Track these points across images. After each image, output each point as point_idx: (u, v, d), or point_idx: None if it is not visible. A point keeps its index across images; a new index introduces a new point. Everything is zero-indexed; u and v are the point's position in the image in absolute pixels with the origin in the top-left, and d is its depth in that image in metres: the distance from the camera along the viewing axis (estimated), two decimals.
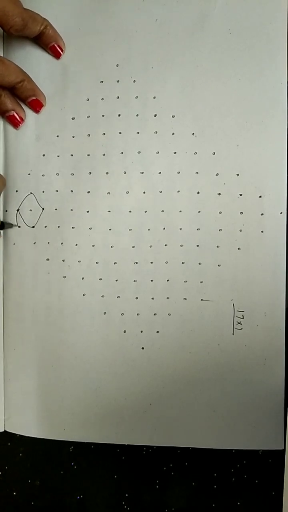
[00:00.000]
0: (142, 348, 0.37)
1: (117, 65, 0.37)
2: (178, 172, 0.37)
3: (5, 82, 0.36)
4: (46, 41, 0.37)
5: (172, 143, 0.37)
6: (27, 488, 0.40)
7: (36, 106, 0.38)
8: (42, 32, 0.37)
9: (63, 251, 0.38)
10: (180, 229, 0.37)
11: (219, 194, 0.36)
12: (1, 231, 0.39)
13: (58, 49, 0.38)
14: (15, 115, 0.38)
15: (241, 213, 0.36)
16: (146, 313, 0.37)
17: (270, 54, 0.35)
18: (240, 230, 0.36)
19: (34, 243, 0.39)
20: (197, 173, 0.37)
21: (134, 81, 0.37)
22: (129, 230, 0.38)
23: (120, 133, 0.38)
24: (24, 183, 0.39)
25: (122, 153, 0.38)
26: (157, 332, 0.37)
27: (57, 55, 0.38)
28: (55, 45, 0.38)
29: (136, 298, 0.37)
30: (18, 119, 0.38)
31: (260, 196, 0.36)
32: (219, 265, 0.36)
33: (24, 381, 0.39)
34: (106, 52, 0.38)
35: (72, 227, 0.38)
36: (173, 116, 0.37)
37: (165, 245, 0.37)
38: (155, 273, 0.37)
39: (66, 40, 0.38)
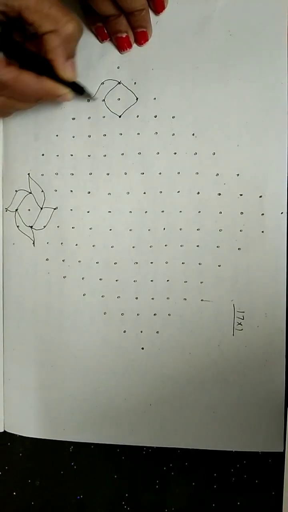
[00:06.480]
0: (142, 348, 0.37)
1: (118, 67, 0.38)
2: (178, 173, 0.37)
3: (129, 7, 0.34)
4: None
5: (172, 143, 0.37)
6: (27, 488, 0.40)
7: (142, 39, 0.37)
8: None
9: (63, 251, 0.38)
10: (180, 229, 0.37)
11: (219, 194, 0.36)
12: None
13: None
14: (129, 37, 0.36)
15: (241, 213, 0.36)
16: (146, 313, 0.37)
17: (270, 54, 0.35)
18: (241, 230, 0.36)
19: (33, 243, 0.39)
20: (197, 173, 0.37)
21: (135, 83, 0.37)
22: (129, 230, 0.38)
23: (121, 134, 0.38)
24: (23, 183, 0.39)
25: (122, 154, 0.38)
26: (157, 332, 0.37)
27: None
28: None
29: (136, 298, 0.37)
30: (129, 42, 0.37)
31: (260, 196, 0.36)
32: (219, 265, 0.36)
33: (24, 381, 0.39)
34: (107, 54, 0.38)
35: (72, 227, 0.38)
36: (173, 117, 0.37)
37: (165, 245, 0.37)
38: (155, 273, 0.37)
39: None
